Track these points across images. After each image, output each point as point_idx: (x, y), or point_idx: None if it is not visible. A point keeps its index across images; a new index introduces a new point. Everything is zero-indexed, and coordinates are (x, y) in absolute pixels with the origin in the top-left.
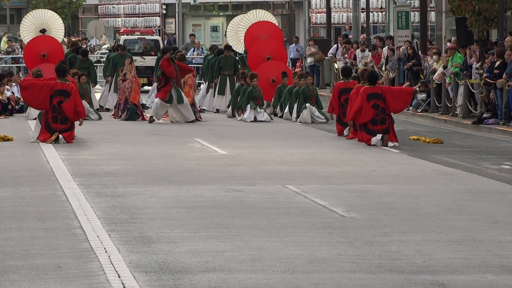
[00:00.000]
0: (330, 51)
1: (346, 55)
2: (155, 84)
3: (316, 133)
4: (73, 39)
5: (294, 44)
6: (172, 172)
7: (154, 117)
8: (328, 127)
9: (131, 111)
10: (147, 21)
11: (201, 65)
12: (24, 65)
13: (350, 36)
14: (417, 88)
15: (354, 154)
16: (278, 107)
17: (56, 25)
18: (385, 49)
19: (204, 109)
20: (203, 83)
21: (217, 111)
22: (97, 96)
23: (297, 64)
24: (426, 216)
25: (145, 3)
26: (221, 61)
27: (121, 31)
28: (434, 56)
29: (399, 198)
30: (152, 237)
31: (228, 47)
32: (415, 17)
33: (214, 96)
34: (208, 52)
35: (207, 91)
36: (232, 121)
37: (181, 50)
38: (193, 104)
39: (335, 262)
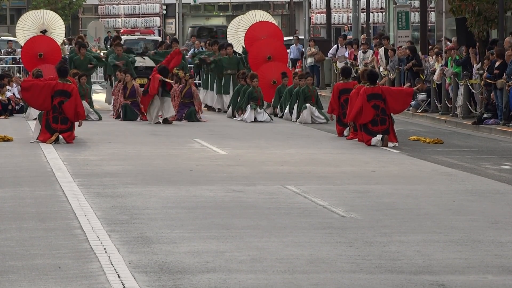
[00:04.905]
0: (330, 51)
1: (347, 56)
2: None
3: (316, 133)
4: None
5: (294, 45)
6: (172, 172)
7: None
8: (328, 128)
9: (124, 108)
10: (147, 21)
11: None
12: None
13: (350, 37)
14: (416, 90)
15: (354, 154)
16: (278, 107)
17: (57, 26)
18: (381, 50)
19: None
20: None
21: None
22: (98, 96)
23: (297, 64)
24: (426, 216)
25: (145, 4)
26: (224, 60)
27: (121, 31)
28: (435, 56)
29: (399, 198)
30: (152, 237)
31: (230, 45)
32: (415, 17)
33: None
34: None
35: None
36: (232, 121)
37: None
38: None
39: (335, 263)
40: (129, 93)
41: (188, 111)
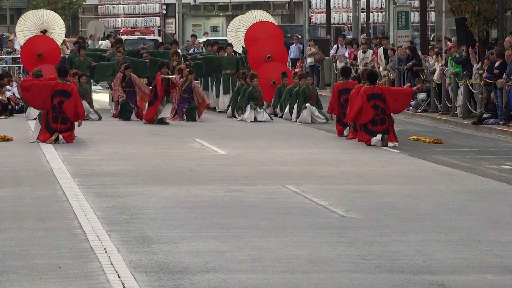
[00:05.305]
0: (331, 51)
1: (347, 56)
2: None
3: (316, 133)
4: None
5: (294, 44)
6: (172, 172)
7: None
8: (328, 127)
9: (121, 105)
10: (147, 21)
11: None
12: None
13: (349, 37)
14: (416, 90)
15: (354, 154)
16: (278, 107)
17: (57, 26)
18: (380, 49)
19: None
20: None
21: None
22: (98, 96)
23: (297, 64)
24: (426, 216)
25: (145, 3)
26: (223, 60)
27: (121, 31)
28: (435, 56)
29: (399, 198)
30: (152, 237)
31: (230, 44)
32: (415, 17)
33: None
34: (204, 50)
35: (206, 88)
36: (232, 121)
37: (181, 50)
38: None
39: (335, 262)
40: (127, 83)
41: (189, 106)
